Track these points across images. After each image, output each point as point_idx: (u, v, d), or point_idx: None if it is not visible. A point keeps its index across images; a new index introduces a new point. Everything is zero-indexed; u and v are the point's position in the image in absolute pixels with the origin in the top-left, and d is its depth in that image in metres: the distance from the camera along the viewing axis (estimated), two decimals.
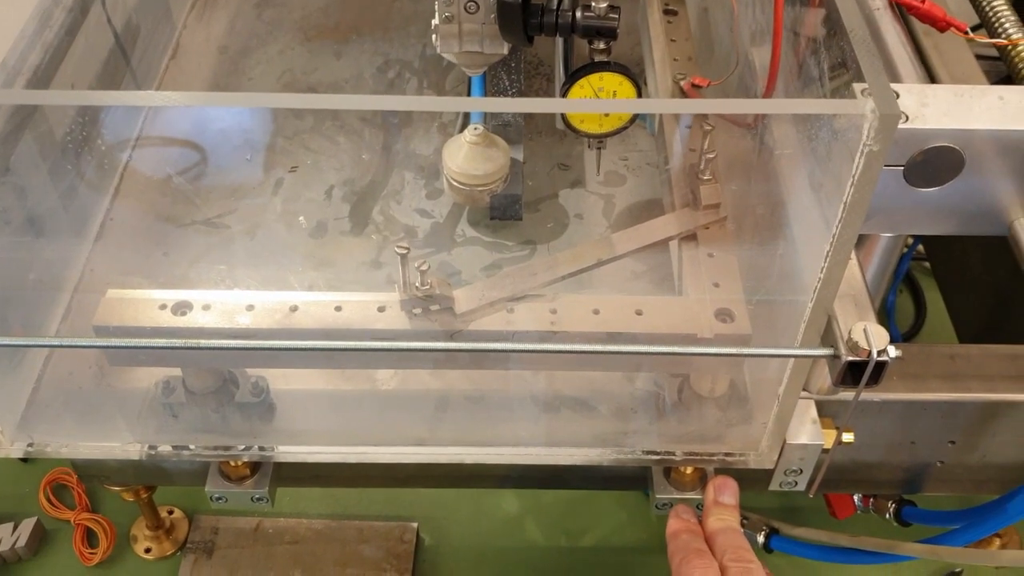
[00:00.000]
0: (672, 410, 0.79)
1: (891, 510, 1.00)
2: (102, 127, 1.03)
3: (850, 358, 0.64)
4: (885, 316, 1.45)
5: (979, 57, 0.90)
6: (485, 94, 1.00)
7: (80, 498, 1.35)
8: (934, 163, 0.66)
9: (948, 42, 0.86)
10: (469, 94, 1.03)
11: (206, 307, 0.74)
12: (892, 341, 0.65)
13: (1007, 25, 0.79)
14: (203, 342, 0.67)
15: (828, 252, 0.62)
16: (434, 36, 0.80)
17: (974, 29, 1.13)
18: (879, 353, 0.64)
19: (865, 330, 0.64)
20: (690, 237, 0.80)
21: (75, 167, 0.96)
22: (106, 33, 1.08)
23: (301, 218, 0.97)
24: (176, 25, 1.21)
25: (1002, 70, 1.17)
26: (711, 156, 0.79)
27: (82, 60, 1.02)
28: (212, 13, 1.23)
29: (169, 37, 1.19)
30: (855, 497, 1.05)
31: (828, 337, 0.68)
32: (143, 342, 0.68)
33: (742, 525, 1.21)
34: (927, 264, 1.44)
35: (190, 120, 1.08)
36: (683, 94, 0.92)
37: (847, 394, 0.84)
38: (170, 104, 0.88)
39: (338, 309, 0.73)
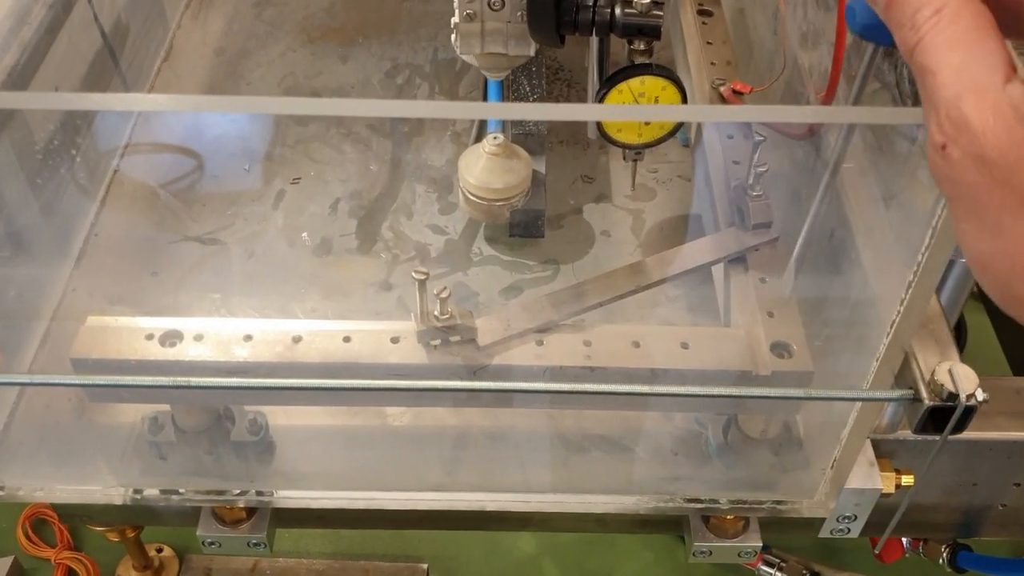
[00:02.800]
0: (717, 453, 0.71)
1: (945, 555, 0.92)
2: (88, 132, 0.95)
3: (934, 403, 0.56)
4: None
5: None
6: (503, 101, 0.92)
7: (61, 535, 1.26)
8: None
9: None
10: (485, 101, 0.96)
11: (198, 337, 0.65)
12: None
13: None
14: (194, 380, 0.58)
15: (911, 282, 0.54)
16: (453, 36, 0.72)
17: None
18: (968, 397, 0.56)
19: (951, 371, 0.57)
20: (738, 260, 0.72)
21: (57, 177, 0.88)
22: (93, 32, 1.00)
23: (304, 234, 0.89)
24: (170, 25, 1.13)
25: None
26: (762, 170, 0.71)
27: (66, 61, 0.94)
28: (208, 12, 1.15)
29: (162, 38, 1.11)
30: (904, 539, 0.97)
31: (904, 377, 0.60)
32: (125, 380, 0.60)
33: (780, 568, 1.14)
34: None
35: (183, 126, 1.00)
36: (723, 101, 0.84)
37: (907, 432, 0.76)
38: (159, 108, 0.81)
39: (347, 340, 0.65)
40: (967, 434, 0.76)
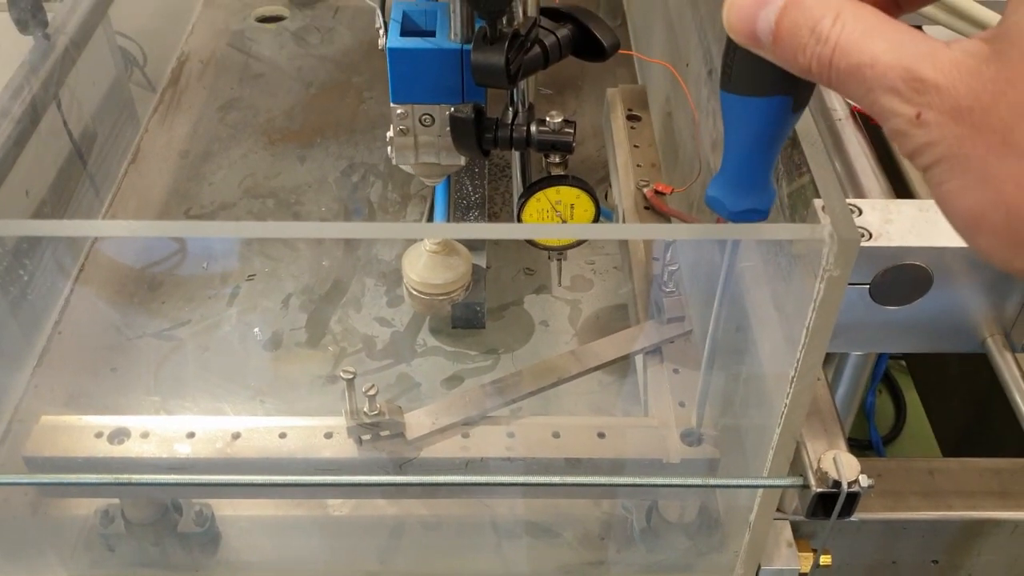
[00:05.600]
0: (641, 537, 0.75)
1: None
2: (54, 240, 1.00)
3: (820, 489, 0.61)
4: (865, 419, 1.42)
5: None
6: (449, 201, 0.98)
7: None
8: (901, 281, 0.63)
9: None
10: (433, 198, 1.02)
11: (144, 435, 0.70)
12: (872, 446, 0.62)
13: None
14: (135, 477, 0.62)
15: (793, 377, 0.59)
16: (389, 148, 0.78)
17: None
18: (850, 484, 0.60)
19: (835, 459, 0.61)
20: (655, 352, 0.77)
21: (25, 279, 0.93)
22: (63, 136, 1.07)
23: (256, 330, 0.94)
24: (138, 128, 1.20)
25: None
26: (673, 268, 0.76)
27: (37, 165, 1.00)
28: (175, 117, 1.22)
29: (130, 140, 1.18)
30: None
31: (798, 464, 0.64)
32: (71, 478, 0.64)
33: None
34: (902, 362, 1.42)
35: None
36: (646, 201, 0.90)
37: None
38: (114, 234, 0.86)
39: (282, 436, 0.69)
40: (882, 514, 0.81)
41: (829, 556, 0.78)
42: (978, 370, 1.09)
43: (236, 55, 1.33)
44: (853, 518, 0.79)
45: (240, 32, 1.38)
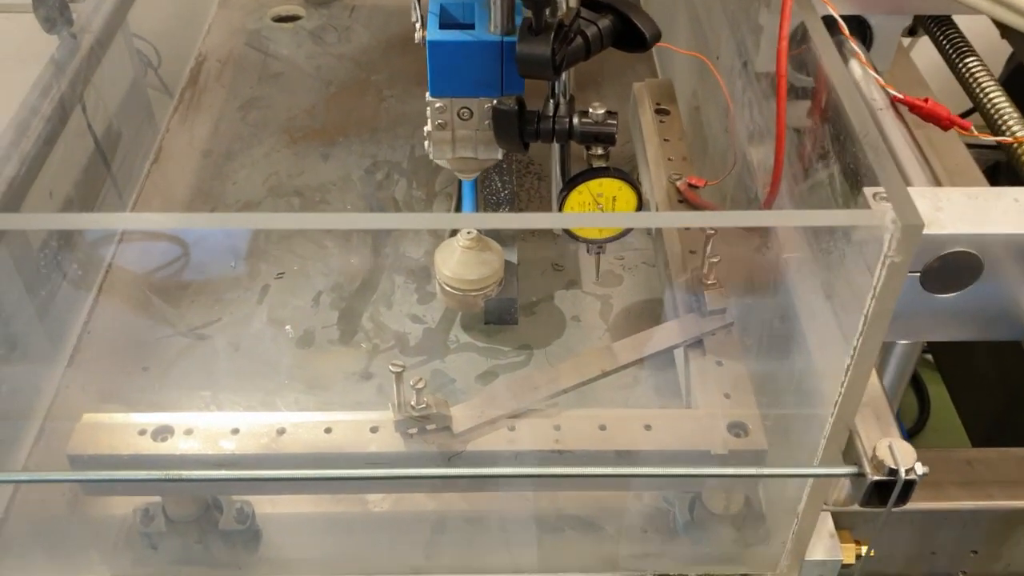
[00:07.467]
0: (684, 529, 0.74)
1: None
2: (83, 235, 1.00)
3: (876, 477, 0.61)
4: None
5: (968, 145, 0.89)
6: (476, 197, 0.98)
7: None
8: (952, 269, 0.63)
9: (937, 132, 0.84)
10: (459, 195, 1.01)
11: (188, 432, 0.69)
12: None
13: (1011, 122, 0.77)
14: (185, 473, 0.62)
15: (849, 366, 0.59)
16: (426, 143, 0.78)
17: (965, 115, 1.13)
18: (907, 472, 0.60)
19: (891, 447, 0.61)
20: (696, 344, 0.77)
21: (53, 277, 0.93)
22: (86, 139, 1.06)
23: (288, 327, 0.94)
24: (159, 129, 1.19)
25: (990, 157, 1.16)
26: (715, 260, 0.76)
27: (62, 166, 0.99)
28: (196, 116, 1.21)
29: (151, 141, 1.17)
30: None
31: (850, 453, 0.64)
32: (120, 475, 0.63)
33: None
34: (927, 356, 1.41)
35: (172, 228, 1.05)
36: (679, 194, 0.90)
37: None
38: (141, 227, 0.86)
39: (328, 431, 0.69)
40: (922, 505, 0.80)
41: (871, 547, 0.78)
42: (1009, 360, 1.09)
43: (254, 55, 1.33)
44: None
45: (257, 32, 1.38)
